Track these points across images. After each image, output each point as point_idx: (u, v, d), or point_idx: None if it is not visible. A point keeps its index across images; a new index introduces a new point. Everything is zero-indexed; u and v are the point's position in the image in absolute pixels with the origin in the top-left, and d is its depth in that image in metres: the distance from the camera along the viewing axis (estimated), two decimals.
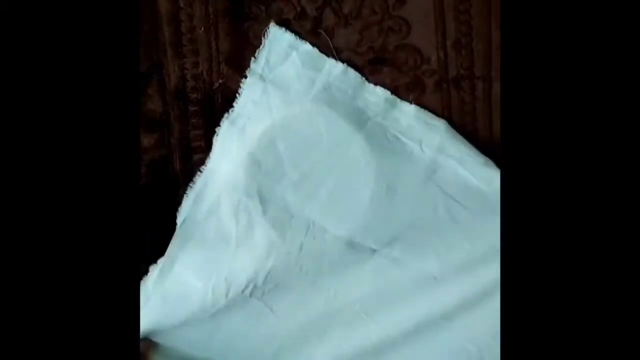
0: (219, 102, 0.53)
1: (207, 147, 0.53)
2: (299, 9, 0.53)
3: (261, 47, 0.52)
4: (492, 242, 0.52)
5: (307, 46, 0.52)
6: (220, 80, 0.53)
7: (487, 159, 0.52)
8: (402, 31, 0.53)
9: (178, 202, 0.53)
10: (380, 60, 0.53)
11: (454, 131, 0.53)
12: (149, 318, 0.51)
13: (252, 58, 0.52)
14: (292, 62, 0.52)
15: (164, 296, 0.52)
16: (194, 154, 0.53)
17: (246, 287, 0.51)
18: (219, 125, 0.53)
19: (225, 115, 0.53)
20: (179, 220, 0.53)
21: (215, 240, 0.52)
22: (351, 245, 0.52)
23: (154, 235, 0.53)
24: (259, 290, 0.52)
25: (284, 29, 0.52)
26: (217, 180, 0.52)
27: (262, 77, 0.52)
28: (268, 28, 0.52)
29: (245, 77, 0.53)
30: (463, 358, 0.52)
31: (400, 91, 0.53)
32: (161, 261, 0.52)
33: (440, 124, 0.52)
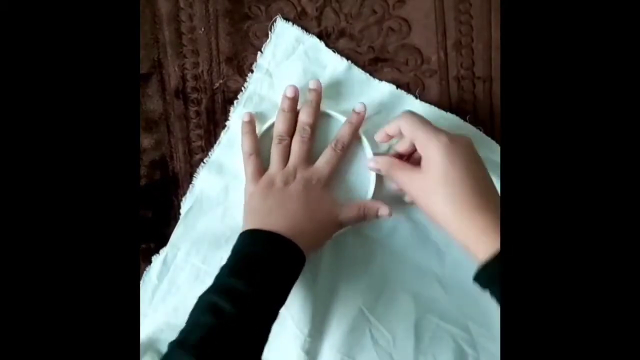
0: (219, 102, 0.53)
1: (207, 147, 0.53)
2: (299, 8, 0.53)
3: (268, 40, 0.52)
4: None
5: (313, 39, 0.52)
6: (220, 80, 0.53)
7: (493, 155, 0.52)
8: (402, 31, 0.53)
9: (178, 202, 0.53)
10: (380, 60, 0.53)
11: (463, 124, 0.52)
12: (160, 301, 0.52)
13: (259, 52, 0.52)
14: (298, 57, 0.52)
15: (171, 281, 0.52)
16: (194, 154, 0.53)
17: None
18: (218, 125, 0.53)
19: (232, 108, 0.53)
20: (183, 210, 0.53)
21: (221, 228, 0.52)
22: (355, 235, 0.52)
23: (154, 235, 0.53)
24: None
25: (290, 22, 0.52)
26: (224, 172, 0.53)
27: (268, 72, 0.52)
28: (274, 22, 0.52)
29: (249, 73, 0.53)
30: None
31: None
32: (164, 250, 0.52)
33: (446, 117, 0.52)
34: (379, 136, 0.49)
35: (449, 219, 0.43)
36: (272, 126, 0.51)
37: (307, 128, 0.49)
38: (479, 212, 0.42)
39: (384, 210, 0.49)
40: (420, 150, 0.44)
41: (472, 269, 0.53)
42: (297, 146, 0.50)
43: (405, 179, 0.46)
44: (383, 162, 0.48)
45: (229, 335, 0.40)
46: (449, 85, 0.53)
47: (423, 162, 0.44)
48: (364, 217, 0.49)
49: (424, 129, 0.44)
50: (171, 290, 0.52)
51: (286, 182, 0.48)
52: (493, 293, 0.41)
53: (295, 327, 0.51)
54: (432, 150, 0.43)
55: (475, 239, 0.42)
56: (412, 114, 0.46)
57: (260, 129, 0.51)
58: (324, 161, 0.50)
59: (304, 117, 0.50)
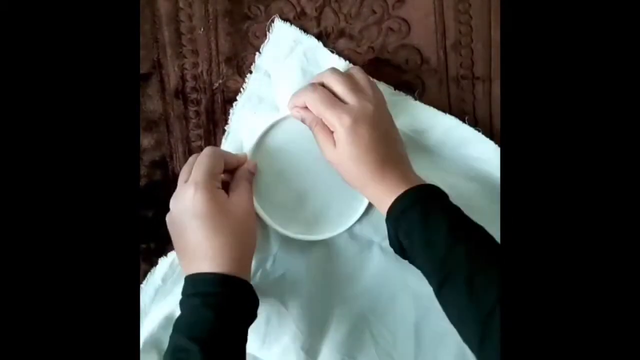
0: (219, 102, 0.53)
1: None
2: (299, 9, 0.53)
3: (266, 41, 0.52)
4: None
5: (312, 40, 0.52)
6: (220, 80, 0.53)
7: (492, 155, 0.52)
8: (401, 31, 0.53)
9: None
10: (380, 61, 0.53)
11: (462, 126, 0.52)
12: (166, 303, 0.52)
13: (257, 53, 0.52)
14: (297, 57, 0.52)
15: (175, 283, 0.52)
16: (194, 153, 0.53)
17: (256, 271, 0.52)
18: (218, 125, 0.53)
19: (231, 110, 0.53)
20: None
21: None
22: (353, 236, 0.53)
23: (154, 235, 0.53)
24: (269, 276, 0.52)
25: (288, 23, 0.52)
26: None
27: (267, 73, 0.52)
28: (272, 22, 0.52)
29: (249, 73, 0.53)
30: None
31: (400, 91, 0.53)
32: (172, 254, 0.52)
33: (445, 117, 0.52)
34: (289, 106, 0.49)
35: (361, 184, 0.47)
36: (272, 126, 0.51)
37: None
38: (386, 176, 0.46)
39: (250, 164, 0.50)
40: (328, 126, 0.46)
41: None
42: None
43: (322, 143, 0.47)
44: (308, 117, 0.48)
45: None
46: (449, 85, 0.54)
47: (334, 136, 0.46)
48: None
49: (329, 110, 0.45)
50: (174, 290, 0.52)
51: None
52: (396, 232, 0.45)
53: (296, 327, 0.51)
54: (337, 134, 0.45)
55: (385, 198, 0.45)
56: (316, 89, 0.46)
57: (262, 126, 0.51)
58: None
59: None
